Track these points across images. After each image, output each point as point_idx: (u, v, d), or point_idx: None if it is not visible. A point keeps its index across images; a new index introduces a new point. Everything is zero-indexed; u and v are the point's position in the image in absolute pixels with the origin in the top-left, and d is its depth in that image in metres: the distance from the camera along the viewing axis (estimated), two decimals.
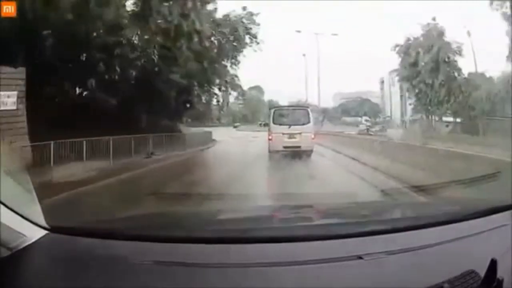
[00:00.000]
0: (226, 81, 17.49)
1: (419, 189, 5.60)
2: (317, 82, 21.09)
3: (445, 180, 5.63)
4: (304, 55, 21.20)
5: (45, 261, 1.21)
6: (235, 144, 18.15)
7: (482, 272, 1.02)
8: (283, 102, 22.37)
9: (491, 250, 1.16)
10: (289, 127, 11.72)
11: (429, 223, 1.43)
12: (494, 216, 1.50)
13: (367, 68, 25.60)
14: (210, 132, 20.62)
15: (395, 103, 27.20)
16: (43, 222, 1.31)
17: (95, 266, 1.16)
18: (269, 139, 11.83)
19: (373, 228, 1.37)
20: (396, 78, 25.38)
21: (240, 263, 1.18)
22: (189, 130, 19.04)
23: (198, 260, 1.17)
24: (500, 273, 1.00)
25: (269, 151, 11.66)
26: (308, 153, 11.56)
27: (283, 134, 11.67)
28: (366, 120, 28.08)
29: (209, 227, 1.60)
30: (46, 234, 1.28)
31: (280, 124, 11.95)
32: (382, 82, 28.03)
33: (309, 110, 12.65)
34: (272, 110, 12.90)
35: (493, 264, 1.00)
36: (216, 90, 17.80)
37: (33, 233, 1.24)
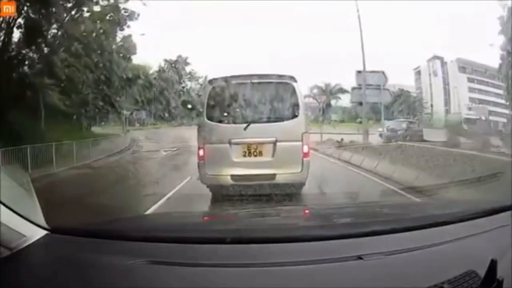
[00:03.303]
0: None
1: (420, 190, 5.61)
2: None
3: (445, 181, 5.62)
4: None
5: (45, 261, 1.22)
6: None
7: (482, 272, 1.02)
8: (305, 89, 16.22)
9: (491, 250, 1.16)
10: (246, 127, 5.14)
11: (429, 224, 1.43)
12: (494, 216, 1.50)
13: (396, 57, 19.35)
14: (89, 141, 12.51)
15: (437, 97, 21.11)
16: (43, 222, 1.31)
17: (95, 266, 1.16)
18: (200, 158, 5.25)
19: (373, 229, 1.37)
20: (438, 66, 19.90)
21: (239, 263, 1.18)
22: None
23: (197, 260, 1.17)
24: (500, 273, 1.00)
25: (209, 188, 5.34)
26: (296, 187, 5.17)
27: (232, 144, 5.17)
28: None
29: (209, 228, 1.60)
30: (46, 234, 1.29)
31: (226, 122, 5.31)
32: (419, 72, 21.72)
33: (294, 84, 5.33)
34: (209, 88, 5.50)
35: (493, 264, 1.00)
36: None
37: (33, 233, 1.24)
